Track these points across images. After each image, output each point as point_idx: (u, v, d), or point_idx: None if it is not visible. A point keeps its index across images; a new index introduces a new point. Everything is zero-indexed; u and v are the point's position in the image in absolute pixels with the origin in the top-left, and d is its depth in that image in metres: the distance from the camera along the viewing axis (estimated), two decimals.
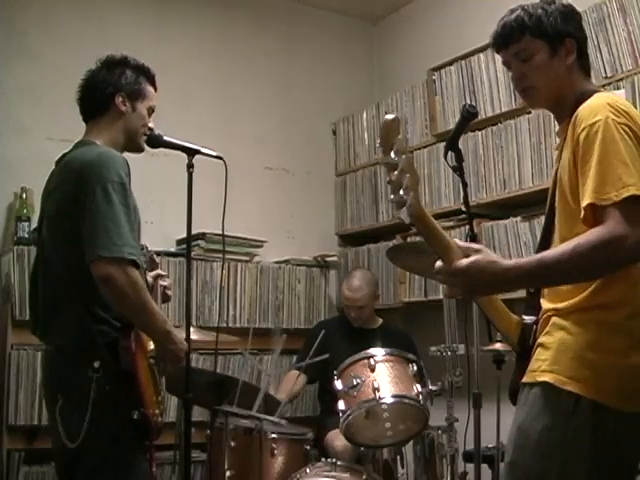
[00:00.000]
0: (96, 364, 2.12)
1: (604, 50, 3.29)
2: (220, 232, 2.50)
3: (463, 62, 4.03)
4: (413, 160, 1.62)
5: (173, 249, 4.13)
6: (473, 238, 2.59)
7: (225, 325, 3.96)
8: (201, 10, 4.55)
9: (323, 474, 2.87)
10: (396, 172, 1.54)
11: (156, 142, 2.46)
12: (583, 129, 1.65)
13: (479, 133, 3.86)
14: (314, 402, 4.26)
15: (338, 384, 2.96)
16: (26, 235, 3.67)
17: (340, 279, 4.52)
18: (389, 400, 2.85)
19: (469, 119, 2.47)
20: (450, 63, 4.13)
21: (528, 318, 1.84)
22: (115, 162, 2.21)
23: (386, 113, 4.51)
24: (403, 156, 1.54)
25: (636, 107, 3.06)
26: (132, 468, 2.18)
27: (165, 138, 2.46)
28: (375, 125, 4.56)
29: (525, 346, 1.82)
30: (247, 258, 4.32)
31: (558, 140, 1.87)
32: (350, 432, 2.92)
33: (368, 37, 5.22)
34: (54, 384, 2.25)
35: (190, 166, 2.41)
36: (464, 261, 1.61)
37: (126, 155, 2.41)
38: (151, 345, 2.28)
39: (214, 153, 2.48)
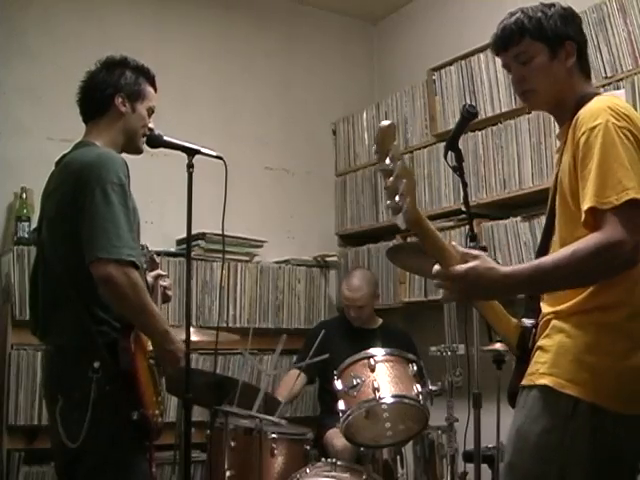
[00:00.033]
0: (96, 364, 2.12)
1: (604, 50, 3.29)
2: (220, 232, 2.50)
3: (463, 62, 4.03)
4: (409, 166, 1.62)
5: (173, 249, 4.13)
6: (473, 238, 2.59)
7: (225, 325, 3.96)
8: (201, 10, 4.55)
9: (323, 474, 2.87)
10: (392, 178, 1.53)
11: (156, 142, 2.46)
12: (583, 133, 1.65)
13: (479, 133, 3.86)
14: (314, 402, 4.26)
15: (338, 384, 2.96)
16: (26, 235, 3.67)
17: (340, 279, 4.52)
18: (389, 400, 2.85)
19: (469, 119, 2.47)
20: (450, 63, 4.13)
21: (527, 321, 1.84)
22: (114, 163, 2.21)
23: (385, 118, 4.52)
24: (399, 162, 1.54)
25: (636, 107, 3.07)
26: (132, 468, 2.18)
27: (165, 138, 2.46)
28: (375, 125, 4.55)
29: (524, 349, 1.82)
30: (247, 258, 4.32)
31: (558, 143, 1.87)
32: (350, 432, 2.92)
33: (368, 37, 5.22)
34: (54, 384, 2.25)
35: (190, 166, 2.41)
36: (462, 266, 1.62)
37: (126, 155, 2.42)
38: (151, 346, 2.28)
39: (214, 153, 2.47)
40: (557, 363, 1.68)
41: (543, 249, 1.82)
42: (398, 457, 3.10)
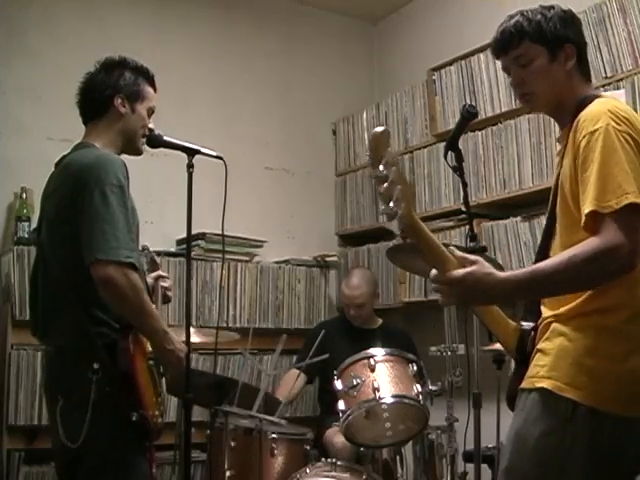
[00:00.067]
0: (95, 366, 2.12)
1: (604, 50, 3.29)
2: (220, 232, 2.50)
3: (463, 62, 4.03)
4: (404, 171, 1.62)
5: (173, 249, 4.13)
6: (473, 238, 2.59)
7: (225, 325, 3.97)
8: (201, 11, 4.55)
9: (323, 474, 2.87)
10: (386, 184, 1.53)
11: (156, 142, 2.46)
12: (584, 136, 1.65)
13: (479, 133, 3.86)
14: (314, 402, 4.26)
15: (338, 384, 2.96)
16: (26, 235, 3.67)
17: (340, 279, 4.52)
18: (389, 400, 2.85)
19: (469, 119, 2.47)
20: (450, 63, 4.13)
21: (526, 324, 1.84)
22: (113, 165, 2.21)
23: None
24: (393, 168, 1.54)
25: (636, 107, 3.07)
26: (132, 469, 2.19)
27: (165, 138, 2.46)
28: (375, 125, 4.55)
29: (523, 352, 1.82)
30: (247, 258, 4.32)
31: (559, 146, 1.87)
32: (350, 432, 2.92)
33: (368, 37, 5.22)
34: (54, 385, 2.26)
35: (190, 166, 2.40)
36: (460, 271, 1.62)
37: (126, 156, 2.42)
38: (150, 346, 2.28)
39: (214, 153, 2.47)
40: (557, 366, 1.68)
41: (543, 250, 1.82)
42: (398, 457, 3.10)
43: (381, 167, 1.54)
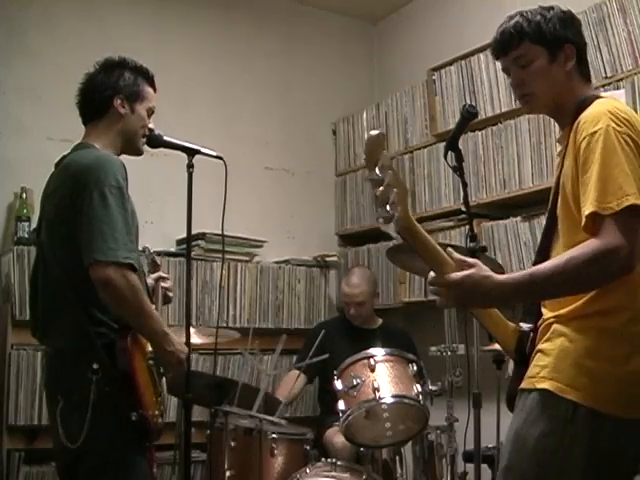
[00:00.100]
0: (95, 366, 2.12)
1: (604, 50, 3.29)
2: (220, 232, 2.50)
3: (463, 62, 4.03)
4: (399, 174, 1.61)
5: (173, 249, 4.13)
6: (473, 238, 2.59)
7: (225, 325, 3.97)
8: (201, 11, 4.55)
9: (323, 474, 2.87)
10: (382, 187, 1.53)
11: (156, 142, 2.46)
12: (584, 138, 1.65)
13: (479, 133, 3.86)
14: (314, 402, 4.26)
15: (338, 384, 2.96)
16: (26, 235, 3.67)
17: (340, 279, 4.51)
18: (389, 400, 2.85)
19: (469, 119, 2.46)
20: (450, 63, 4.13)
21: (525, 325, 1.84)
22: (112, 166, 2.21)
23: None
24: (389, 171, 1.53)
25: (636, 107, 3.07)
26: (132, 469, 2.19)
27: (165, 138, 2.46)
28: (375, 125, 4.56)
29: (522, 353, 1.82)
30: (247, 258, 4.32)
31: (559, 147, 1.87)
32: (350, 432, 2.92)
33: (368, 37, 5.22)
34: (54, 385, 2.26)
35: (190, 166, 2.41)
36: (458, 274, 1.62)
37: (126, 156, 2.42)
38: (150, 347, 2.28)
39: (214, 153, 2.48)
40: (558, 367, 1.67)
41: (543, 251, 1.82)
42: (397, 457, 3.10)
43: (377, 170, 1.54)
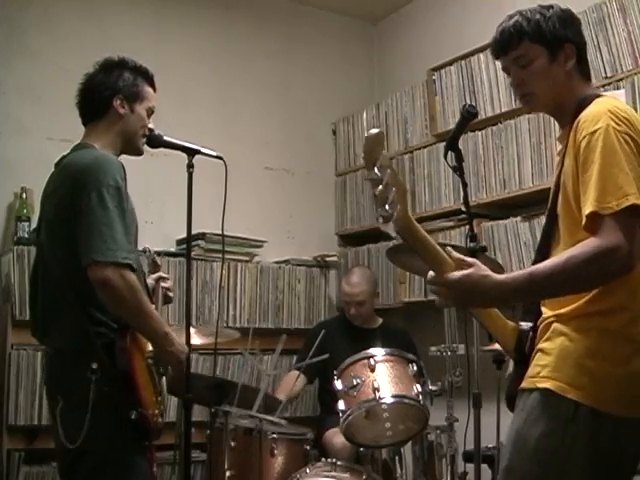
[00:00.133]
0: (94, 366, 2.12)
1: (604, 50, 3.29)
2: (220, 232, 2.50)
3: (463, 62, 4.03)
4: (399, 173, 1.60)
5: (173, 249, 4.13)
6: (473, 238, 2.59)
7: (225, 325, 3.97)
8: (201, 11, 4.55)
9: (323, 474, 2.87)
10: (381, 187, 1.53)
11: (156, 142, 2.46)
12: (584, 137, 1.65)
13: (479, 133, 3.86)
14: (314, 402, 4.26)
15: (338, 384, 2.96)
16: (26, 235, 3.67)
17: (340, 279, 4.51)
18: (389, 400, 2.85)
19: (469, 119, 2.46)
20: (450, 63, 4.13)
21: (525, 324, 1.84)
22: (111, 166, 2.21)
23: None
24: (388, 170, 1.53)
25: (636, 107, 3.07)
26: (132, 468, 2.19)
27: (165, 138, 2.46)
28: (375, 125, 4.55)
29: (522, 352, 1.81)
30: (247, 258, 4.32)
31: (559, 146, 1.87)
32: (350, 432, 2.92)
33: (368, 37, 5.22)
34: (54, 385, 2.26)
35: (190, 166, 2.40)
36: (457, 274, 1.62)
37: (126, 156, 2.42)
38: (149, 346, 2.28)
39: (214, 153, 2.47)
40: (558, 367, 1.67)
41: (542, 250, 1.82)
42: (397, 457, 3.10)
43: (376, 170, 1.53)
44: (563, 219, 1.75)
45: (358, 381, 2.89)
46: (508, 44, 1.83)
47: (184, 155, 2.43)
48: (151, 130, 2.45)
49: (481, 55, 3.91)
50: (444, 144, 2.48)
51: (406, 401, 2.87)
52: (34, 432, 3.52)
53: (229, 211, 2.48)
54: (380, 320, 4.13)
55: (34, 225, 3.15)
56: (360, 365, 2.96)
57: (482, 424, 2.74)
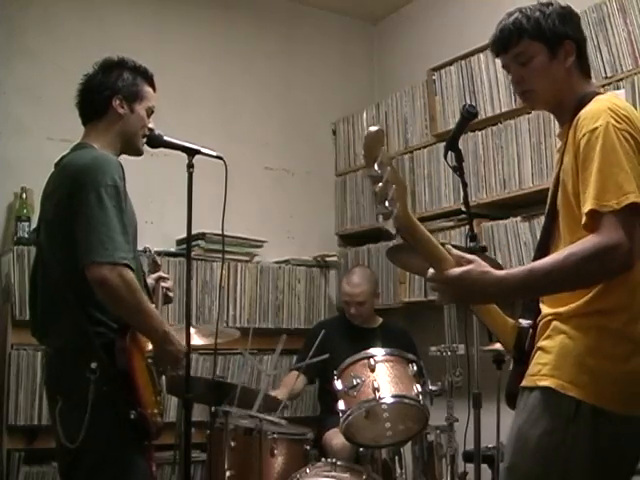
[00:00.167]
0: (93, 365, 2.12)
1: (604, 50, 3.29)
2: (220, 232, 2.50)
3: (463, 62, 4.03)
4: (398, 171, 1.61)
5: (173, 249, 4.12)
6: (473, 238, 2.59)
7: (225, 325, 3.97)
8: (201, 11, 4.55)
9: (323, 474, 2.87)
10: (381, 184, 1.53)
11: (156, 142, 2.46)
12: (584, 135, 1.65)
13: (479, 133, 3.86)
14: (314, 402, 4.26)
15: (338, 384, 2.96)
16: (26, 235, 3.67)
17: (340, 279, 4.51)
18: (389, 400, 2.85)
19: (469, 119, 2.47)
20: (450, 63, 4.13)
21: (524, 322, 1.84)
22: (110, 166, 2.21)
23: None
24: (388, 167, 1.53)
25: (636, 107, 3.06)
26: (131, 468, 2.19)
27: (165, 138, 2.46)
28: (375, 125, 4.54)
29: (522, 350, 1.82)
30: (247, 258, 4.32)
31: (559, 143, 1.87)
32: (350, 432, 2.92)
33: (368, 37, 5.22)
34: (53, 385, 2.26)
35: (190, 166, 2.40)
36: (457, 270, 1.62)
37: (126, 156, 2.42)
38: (149, 345, 2.28)
39: (214, 153, 2.47)
40: (559, 365, 1.67)
41: (542, 248, 1.82)
42: (397, 457, 3.10)
43: (376, 167, 1.54)
44: (563, 217, 1.75)
45: (358, 381, 2.89)
46: (508, 42, 1.83)
47: (184, 155, 2.43)
48: (151, 130, 2.45)
49: (481, 55, 3.91)
50: (444, 144, 2.49)
51: (406, 401, 2.87)
52: (34, 432, 3.52)
53: (229, 211, 2.48)
54: (380, 320, 4.13)
55: (34, 225, 3.15)
56: (360, 365, 2.95)
57: (482, 424, 2.74)
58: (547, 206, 1.85)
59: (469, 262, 1.64)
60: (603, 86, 3.22)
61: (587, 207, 1.60)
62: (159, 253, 3.30)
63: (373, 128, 1.56)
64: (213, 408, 3.11)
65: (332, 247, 4.75)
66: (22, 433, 3.54)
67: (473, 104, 2.59)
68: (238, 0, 4.71)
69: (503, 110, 3.78)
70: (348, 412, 2.86)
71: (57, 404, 2.18)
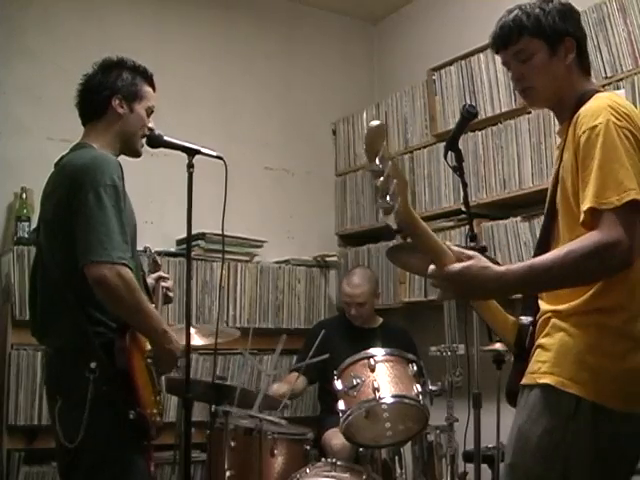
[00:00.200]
0: (92, 365, 2.13)
1: (604, 50, 3.29)
2: (220, 232, 2.50)
3: (463, 62, 4.03)
4: (400, 165, 1.61)
5: (173, 249, 4.12)
6: (473, 238, 2.59)
7: (225, 325, 3.97)
8: (201, 11, 4.55)
9: (323, 474, 2.87)
10: (382, 178, 1.53)
11: (156, 142, 2.46)
12: (584, 132, 1.65)
13: (479, 133, 3.86)
14: (314, 402, 4.26)
15: (338, 384, 2.96)
16: (26, 235, 3.67)
17: (340, 279, 4.51)
18: (389, 400, 2.85)
19: (469, 119, 2.47)
20: (450, 63, 4.13)
21: (525, 319, 1.84)
22: (108, 165, 2.21)
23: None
24: (389, 162, 1.53)
25: (636, 107, 3.06)
26: (130, 467, 2.19)
27: (165, 138, 2.46)
28: None
29: (522, 347, 1.82)
30: (247, 258, 4.32)
31: (559, 140, 1.87)
32: (350, 432, 2.92)
33: (368, 37, 5.22)
34: (53, 385, 2.27)
35: (190, 166, 2.40)
36: (457, 266, 1.62)
37: (126, 156, 2.42)
38: (149, 345, 2.28)
39: (214, 153, 2.47)
40: (559, 362, 1.68)
41: (542, 246, 1.82)
42: (397, 457, 3.10)
43: (377, 161, 1.54)
44: (562, 215, 1.75)
45: (358, 381, 2.88)
46: (508, 39, 1.83)
47: (184, 155, 2.43)
48: (151, 130, 2.45)
49: (481, 55, 3.91)
50: (444, 144, 2.49)
51: (406, 401, 2.87)
52: (34, 432, 3.52)
53: (229, 211, 2.48)
54: (380, 320, 4.13)
55: (34, 225, 3.16)
56: (360, 365, 2.95)
57: (482, 424, 2.74)
58: (547, 202, 1.85)
59: (469, 258, 1.64)
60: (603, 86, 3.21)
61: (586, 205, 1.60)
62: (159, 253, 3.31)
63: (374, 122, 1.56)
64: (213, 408, 3.11)
65: (332, 247, 4.75)
66: (22, 433, 3.54)
67: (473, 104, 2.60)
68: (238, 0, 4.71)
69: (503, 110, 3.78)
70: (348, 412, 2.85)
71: (57, 404, 2.18)
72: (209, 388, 3.17)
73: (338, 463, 2.93)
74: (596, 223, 1.58)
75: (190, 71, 4.43)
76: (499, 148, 3.77)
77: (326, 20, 5.03)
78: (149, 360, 2.28)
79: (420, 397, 2.88)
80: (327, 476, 2.86)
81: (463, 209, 3.19)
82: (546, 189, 1.89)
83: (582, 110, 1.70)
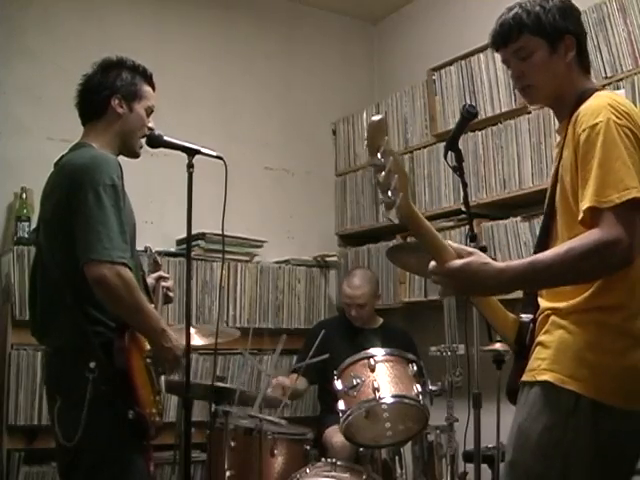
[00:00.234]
0: (92, 364, 2.13)
1: (604, 50, 3.29)
2: (220, 232, 2.50)
3: (463, 62, 4.03)
4: (401, 160, 1.60)
5: (173, 249, 4.12)
6: (473, 238, 2.59)
7: (225, 325, 3.97)
8: (201, 11, 4.55)
9: (323, 474, 2.87)
10: (383, 173, 1.53)
11: (156, 142, 2.45)
12: (584, 130, 1.65)
13: (479, 133, 3.86)
14: (314, 402, 4.26)
15: (338, 384, 2.96)
16: (26, 235, 3.67)
17: (340, 279, 4.52)
18: (389, 400, 2.85)
19: (469, 119, 2.47)
20: (450, 63, 4.13)
21: (525, 316, 1.84)
22: (108, 165, 2.21)
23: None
24: (390, 157, 1.53)
25: (636, 107, 3.06)
26: (130, 467, 2.19)
27: (165, 138, 2.45)
28: None
29: (522, 344, 1.82)
30: (247, 258, 4.32)
31: (558, 138, 1.87)
32: (350, 432, 2.92)
33: (368, 37, 5.22)
34: (53, 385, 2.27)
35: (190, 166, 2.40)
36: (457, 262, 1.62)
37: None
38: (148, 345, 2.28)
39: (214, 153, 2.47)
40: (558, 359, 1.68)
41: (541, 244, 1.82)
42: (397, 457, 3.10)
43: (379, 155, 1.53)
44: (561, 214, 1.75)
45: (358, 381, 2.89)
46: (508, 36, 1.83)
47: (184, 155, 2.42)
48: (151, 130, 2.45)
49: (481, 55, 3.91)
50: (444, 144, 2.49)
51: (406, 401, 2.87)
52: (34, 432, 3.52)
53: (229, 211, 2.48)
54: (380, 320, 4.12)
55: (34, 225, 3.15)
56: (360, 365, 2.95)
57: (482, 424, 2.74)
58: (547, 200, 1.85)
59: (470, 254, 1.64)
60: (603, 86, 3.19)
61: (586, 204, 1.60)
62: (159, 253, 3.30)
63: (376, 117, 1.56)
64: (213, 408, 3.11)
65: (332, 247, 4.75)
66: (22, 433, 3.54)
67: (473, 104, 2.60)
68: (238, 0, 4.71)
69: (503, 110, 3.78)
70: (348, 412, 2.86)
71: (56, 403, 2.19)
72: (208, 391, 3.16)
73: (338, 463, 2.93)
74: (596, 221, 1.58)
75: (190, 71, 4.43)
76: (499, 148, 3.77)
77: (326, 20, 5.03)
78: (148, 360, 2.28)
79: (420, 397, 2.88)
80: (327, 476, 2.86)
81: (463, 209, 3.19)
82: (546, 189, 1.89)
83: (582, 108, 1.70)
